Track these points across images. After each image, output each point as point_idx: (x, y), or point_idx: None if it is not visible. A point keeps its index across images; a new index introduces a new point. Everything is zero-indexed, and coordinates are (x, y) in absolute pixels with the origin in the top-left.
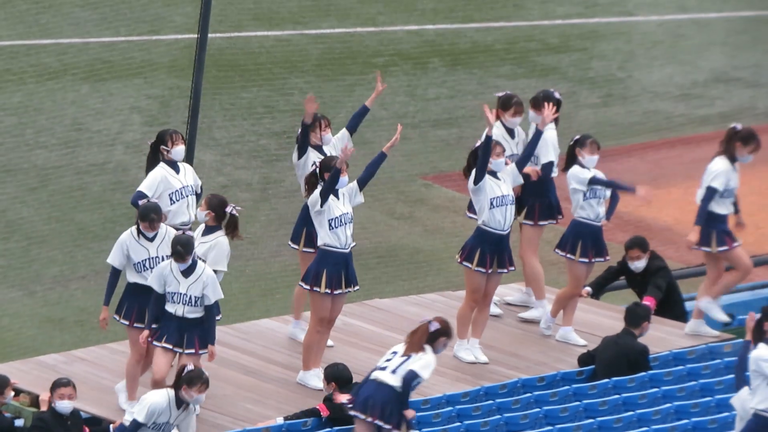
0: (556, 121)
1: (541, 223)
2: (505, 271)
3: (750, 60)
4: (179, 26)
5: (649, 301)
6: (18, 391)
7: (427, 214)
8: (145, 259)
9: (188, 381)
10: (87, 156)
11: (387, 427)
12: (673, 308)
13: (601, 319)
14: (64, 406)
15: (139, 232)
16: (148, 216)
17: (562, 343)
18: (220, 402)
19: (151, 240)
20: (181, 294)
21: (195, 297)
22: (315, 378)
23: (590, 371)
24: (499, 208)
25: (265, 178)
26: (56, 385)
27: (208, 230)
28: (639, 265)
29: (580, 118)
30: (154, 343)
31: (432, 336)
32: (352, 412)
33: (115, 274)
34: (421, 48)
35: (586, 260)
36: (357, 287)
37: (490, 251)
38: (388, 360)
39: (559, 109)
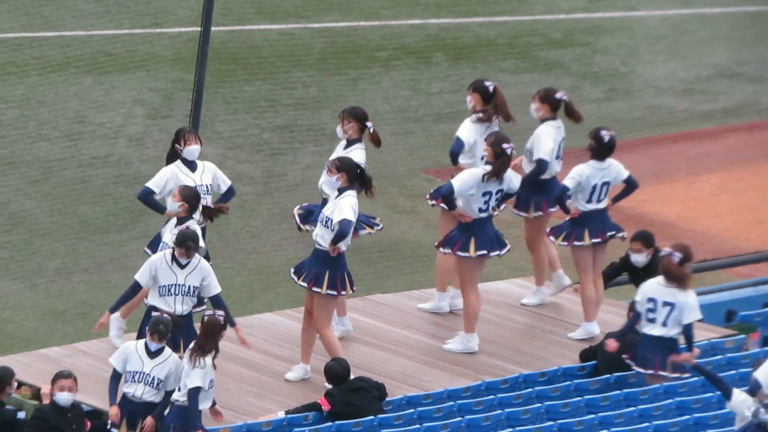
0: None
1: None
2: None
3: (753, 55)
4: (182, 19)
5: None
6: (20, 384)
7: (429, 209)
8: (172, 285)
9: (223, 326)
10: (90, 149)
11: (672, 375)
12: None
13: (604, 314)
14: (63, 397)
15: (173, 257)
16: (185, 243)
17: (564, 338)
18: (221, 396)
19: (183, 267)
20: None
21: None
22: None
23: (592, 366)
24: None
25: (267, 172)
26: (57, 377)
27: (180, 221)
28: (638, 258)
29: (583, 112)
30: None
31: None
32: (634, 368)
33: (136, 288)
34: (424, 42)
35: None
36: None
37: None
38: (651, 311)
39: (490, 98)
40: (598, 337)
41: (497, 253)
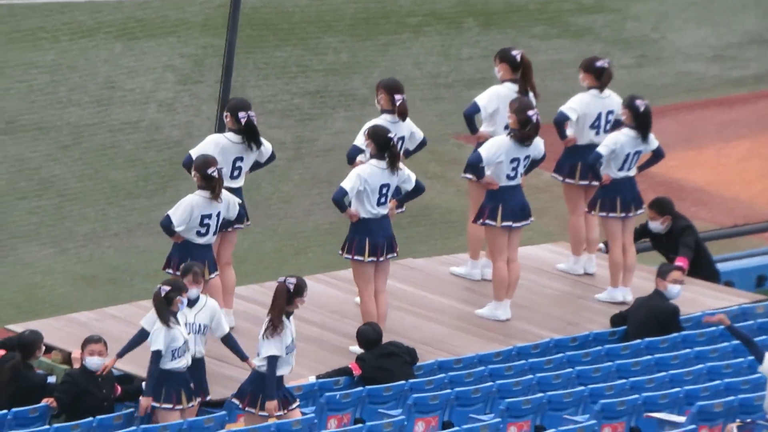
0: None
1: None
2: None
3: None
4: None
5: (681, 262)
6: (50, 348)
7: (460, 174)
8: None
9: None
10: (120, 114)
11: None
12: (704, 268)
13: (636, 280)
14: (93, 362)
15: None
16: (191, 269)
17: (595, 302)
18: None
19: (192, 305)
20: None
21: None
22: None
23: (622, 332)
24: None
25: (298, 137)
26: (87, 342)
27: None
28: (654, 226)
29: (614, 79)
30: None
31: None
32: None
33: (144, 335)
34: (455, 8)
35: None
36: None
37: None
38: None
39: (518, 66)
40: (629, 302)
41: (521, 224)
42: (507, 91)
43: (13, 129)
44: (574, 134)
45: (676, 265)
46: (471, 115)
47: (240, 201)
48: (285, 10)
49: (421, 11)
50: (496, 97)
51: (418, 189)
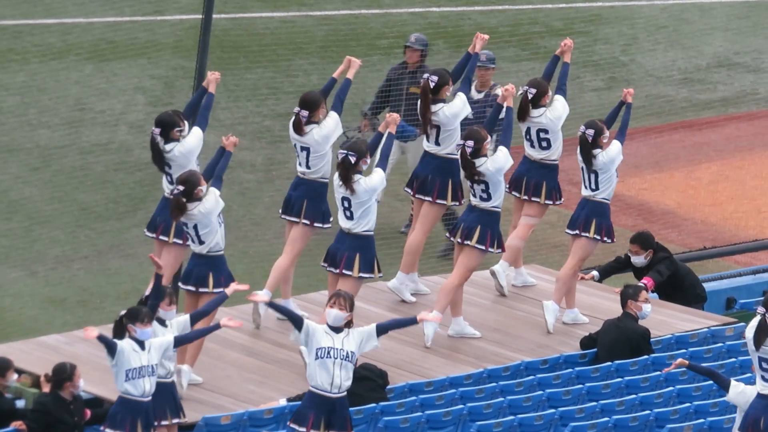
0: None
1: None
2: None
3: (751, 45)
4: (184, 7)
5: (646, 280)
6: (19, 372)
7: None
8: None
9: None
10: (90, 136)
11: None
12: (681, 296)
13: (604, 302)
14: (82, 385)
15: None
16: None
17: (565, 326)
18: (222, 383)
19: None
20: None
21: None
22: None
23: (593, 354)
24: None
25: (269, 159)
26: (72, 369)
27: None
28: (637, 260)
29: (584, 101)
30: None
31: None
32: None
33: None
34: (425, 30)
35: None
36: None
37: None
38: None
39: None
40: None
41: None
42: None
43: None
44: None
45: (641, 285)
46: None
47: None
48: (256, 32)
49: (391, 33)
50: None
51: None
